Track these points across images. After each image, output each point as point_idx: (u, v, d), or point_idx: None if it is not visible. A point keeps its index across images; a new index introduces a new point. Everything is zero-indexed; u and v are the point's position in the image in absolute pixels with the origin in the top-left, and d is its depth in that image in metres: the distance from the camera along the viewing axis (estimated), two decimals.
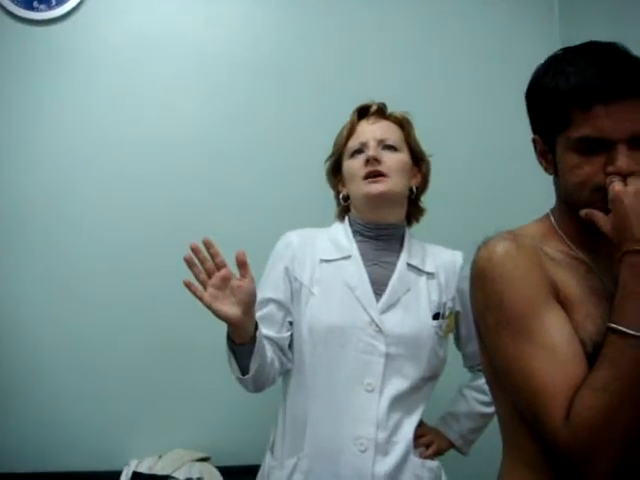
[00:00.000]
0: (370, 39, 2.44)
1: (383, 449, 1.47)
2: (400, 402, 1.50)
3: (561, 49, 1.08)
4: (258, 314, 1.51)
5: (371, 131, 1.59)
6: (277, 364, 1.53)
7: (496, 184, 2.40)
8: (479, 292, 1.09)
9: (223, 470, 2.12)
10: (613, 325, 0.94)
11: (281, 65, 2.40)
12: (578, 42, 1.07)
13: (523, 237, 1.09)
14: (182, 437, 2.22)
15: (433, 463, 1.55)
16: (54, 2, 2.30)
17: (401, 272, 1.56)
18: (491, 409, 1.47)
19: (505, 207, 2.24)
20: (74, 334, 2.24)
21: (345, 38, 2.43)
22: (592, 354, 0.96)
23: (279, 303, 1.58)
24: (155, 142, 2.33)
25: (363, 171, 1.55)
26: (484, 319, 1.08)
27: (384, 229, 1.59)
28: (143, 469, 2.06)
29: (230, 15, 2.41)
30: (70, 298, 2.25)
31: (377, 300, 1.52)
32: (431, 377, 1.56)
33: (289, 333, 1.57)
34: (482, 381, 1.57)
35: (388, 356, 1.49)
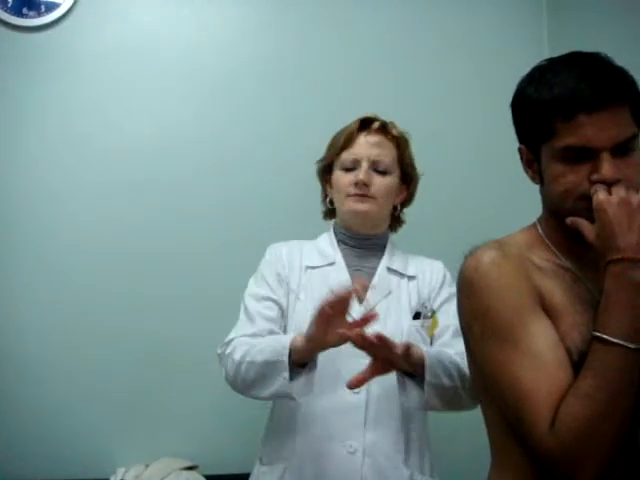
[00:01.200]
0: (367, 44, 2.46)
1: (371, 451, 1.48)
2: (387, 404, 1.51)
3: (545, 60, 1.09)
4: (258, 309, 1.56)
5: (367, 149, 1.61)
6: None
7: (485, 192, 2.41)
8: (466, 301, 1.09)
9: (210, 479, 2.11)
10: (597, 334, 0.94)
11: (276, 70, 2.41)
12: (566, 45, 1.08)
13: (509, 246, 1.09)
14: (169, 446, 2.21)
15: (423, 477, 1.54)
16: (43, 9, 2.30)
17: (381, 276, 1.61)
18: (466, 370, 1.39)
19: (493, 216, 2.25)
20: (61, 343, 2.22)
21: (343, 42, 2.46)
22: (578, 363, 0.96)
23: (276, 302, 1.60)
24: (145, 149, 2.33)
25: (351, 190, 1.60)
26: (471, 328, 1.09)
27: (366, 239, 1.65)
28: (130, 478, 2.05)
29: (222, 21, 2.43)
30: (56, 309, 2.23)
31: (360, 303, 1.55)
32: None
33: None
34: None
35: (372, 358, 1.48)
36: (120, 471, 2.09)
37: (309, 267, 1.63)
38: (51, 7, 2.30)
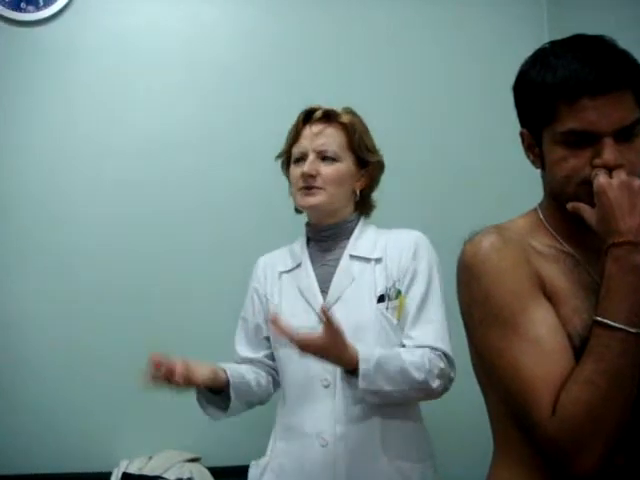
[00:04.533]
0: (367, 39, 2.46)
1: (343, 442, 1.49)
2: (353, 393, 1.49)
3: (548, 42, 1.08)
4: (238, 332, 1.71)
5: (312, 140, 1.61)
6: (264, 382, 1.65)
7: (487, 179, 2.40)
8: (465, 287, 1.09)
9: (213, 471, 2.13)
10: (599, 318, 0.93)
11: (277, 65, 2.41)
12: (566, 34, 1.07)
13: (509, 231, 1.09)
14: (172, 438, 2.22)
15: (404, 464, 1.51)
16: (42, 3, 2.30)
17: (344, 266, 1.60)
18: (417, 374, 1.44)
19: (494, 202, 2.24)
20: (62, 335, 2.23)
21: (342, 38, 2.45)
22: (579, 348, 0.96)
23: (249, 322, 1.69)
24: (143, 144, 2.34)
25: (300, 183, 1.61)
26: (471, 314, 1.08)
27: (327, 229, 1.65)
28: (133, 470, 2.06)
29: (222, 15, 2.43)
30: (57, 302, 2.25)
31: (324, 298, 1.57)
32: None
33: (268, 351, 1.67)
34: (418, 351, 1.50)
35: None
36: (123, 463, 2.09)
37: (282, 272, 1.67)
38: (49, 1, 2.31)
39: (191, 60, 2.39)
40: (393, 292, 1.56)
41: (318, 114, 1.63)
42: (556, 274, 1.04)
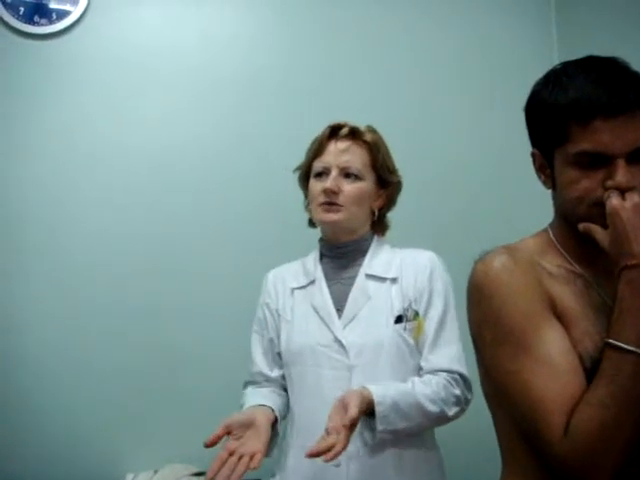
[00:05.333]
0: (374, 47, 2.48)
1: (358, 461, 1.47)
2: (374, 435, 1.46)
3: (560, 63, 1.08)
4: (253, 349, 1.67)
5: (336, 156, 1.60)
6: (286, 402, 1.62)
7: (496, 197, 2.41)
8: (476, 307, 1.09)
9: None
10: (611, 340, 0.93)
11: (281, 79, 2.43)
12: (575, 46, 1.07)
13: (520, 251, 1.08)
14: (178, 451, 2.21)
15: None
16: (55, 16, 2.32)
17: (359, 284, 1.58)
18: (432, 407, 1.43)
19: (504, 222, 2.25)
20: (69, 349, 2.23)
21: (348, 45, 2.47)
22: (590, 370, 0.96)
23: (264, 337, 1.66)
24: (154, 158, 2.35)
25: (321, 198, 1.59)
26: (481, 334, 1.08)
27: (343, 247, 1.63)
28: None
29: (232, 30, 2.45)
30: (66, 316, 2.25)
31: (339, 316, 1.56)
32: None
33: (282, 370, 1.64)
34: (434, 379, 1.50)
35: (353, 368, 1.50)
36: (129, 477, 2.09)
37: (295, 288, 1.65)
38: (62, 15, 2.33)
39: (203, 74, 2.40)
40: (411, 313, 1.55)
41: (345, 131, 1.61)
42: (567, 295, 1.04)
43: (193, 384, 2.24)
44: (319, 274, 1.63)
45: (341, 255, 1.63)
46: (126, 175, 2.33)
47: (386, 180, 1.64)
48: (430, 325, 1.54)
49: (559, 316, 1.02)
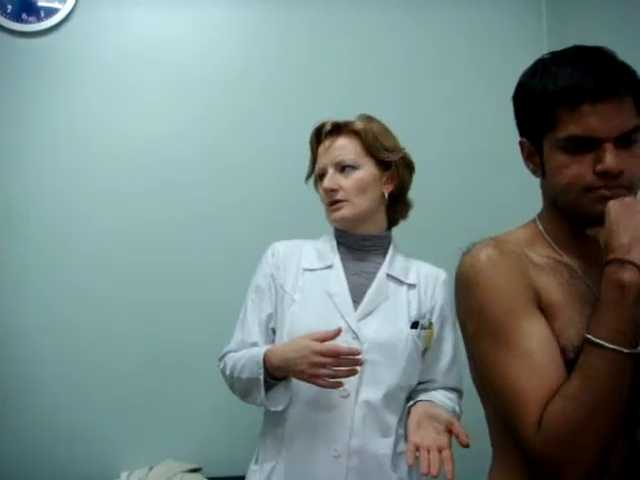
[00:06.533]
0: (369, 46, 2.48)
1: (357, 456, 1.47)
2: (376, 410, 1.49)
3: (548, 53, 1.09)
4: (247, 315, 1.61)
5: (326, 156, 1.60)
6: None
7: (485, 190, 2.42)
8: (462, 299, 1.09)
9: None
10: (587, 336, 0.93)
11: (278, 76, 2.42)
12: (565, 43, 1.08)
13: (507, 243, 1.09)
14: (173, 449, 2.22)
15: None
16: (43, 14, 2.31)
17: (380, 282, 1.58)
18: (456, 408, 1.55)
19: (493, 214, 2.24)
20: (63, 346, 2.23)
21: (344, 46, 2.47)
22: (574, 360, 0.96)
23: (262, 309, 1.61)
24: (144, 153, 2.34)
25: (326, 199, 1.61)
26: (466, 326, 1.09)
27: (364, 240, 1.62)
28: None
29: (222, 25, 2.44)
30: (58, 309, 2.25)
31: (355, 308, 1.54)
32: (406, 387, 1.55)
33: (272, 340, 1.60)
34: (453, 397, 1.60)
35: (364, 362, 1.48)
36: (124, 474, 2.09)
37: (307, 269, 1.61)
38: (50, 12, 2.32)
39: (192, 70, 2.40)
40: (426, 321, 1.57)
41: (327, 128, 1.62)
42: (552, 286, 1.05)
43: (189, 381, 2.24)
44: (337, 261, 1.61)
45: (359, 247, 1.62)
46: (118, 172, 2.32)
47: (387, 161, 1.61)
48: (447, 345, 1.60)
49: (544, 307, 1.02)
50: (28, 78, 2.30)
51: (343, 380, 1.40)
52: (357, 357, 1.39)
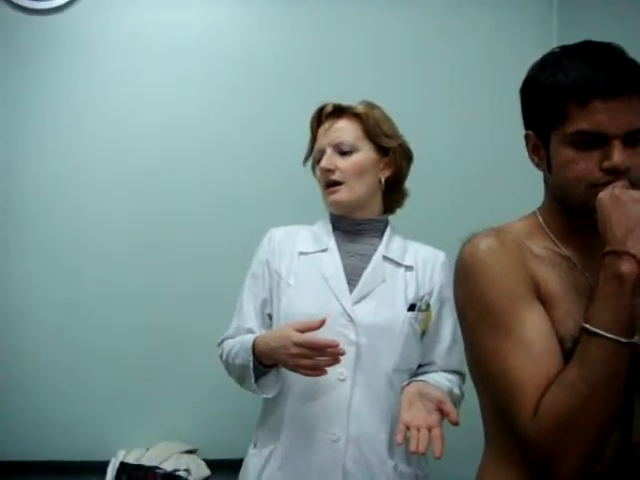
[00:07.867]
0: (374, 41, 2.45)
1: (355, 441, 1.48)
2: (373, 393, 1.50)
3: (558, 47, 1.09)
4: (243, 302, 1.63)
5: (326, 136, 1.61)
6: None
7: (487, 183, 2.40)
8: (461, 287, 1.11)
9: (210, 462, 2.14)
10: (585, 325, 0.94)
11: (287, 59, 2.41)
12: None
13: (507, 234, 1.10)
14: (170, 430, 2.23)
15: (407, 469, 1.53)
16: None
17: (376, 264, 1.58)
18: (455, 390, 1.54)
19: (494, 206, 2.23)
20: (62, 327, 2.25)
21: (349, 38, 2.44)
22: (572, 350, 0.97)
23: (258, 294, 1.63)
24: (154, 136, 2.33)
25: (322, 180, 1.61)
26: (465, 314, 1.10)
27: (360, 224, 1.62)
28: (130, 460, 2.07)
29: (234, 10, 2.42)
30: (58, 290, 2.26)
31: (351, 291, 1.54)
32: (405, 370, 1.55)
33: (268, 325, 1.61)
34: (453, 379, 1.59)
35: (360, 346, 1.50)
36: (121, 453, 2.11)
37: (302, 253, 1.62)
38: None
39: (206, 51, 2.38)
40: (424, 304, 1.57)
41: (328, 109, 1.62)
42: (551, 277, 1.06)
43: (187, 363, 2.25)
44: (332, 244, 1.61)
45: (355, 231, 1.62)
46: (125, 154, 2.32)
47: (385, 146, 1.61)
48: (447, 327, 1.59)
49: (542, 298, 1.04)
50: (39, 56, 2.30)
51: (340, 364, 1.41)
52: (337, 349, 1.38)
